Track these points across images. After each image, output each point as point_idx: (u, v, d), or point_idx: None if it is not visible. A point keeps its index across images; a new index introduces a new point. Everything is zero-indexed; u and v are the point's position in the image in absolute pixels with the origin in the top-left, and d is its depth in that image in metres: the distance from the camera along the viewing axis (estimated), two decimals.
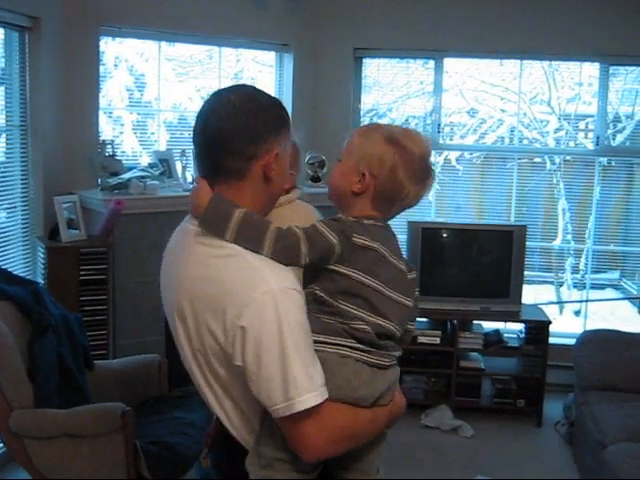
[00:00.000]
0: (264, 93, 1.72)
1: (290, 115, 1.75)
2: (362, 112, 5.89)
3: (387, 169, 1.66)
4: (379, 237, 1.65)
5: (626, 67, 5.75)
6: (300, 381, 1.48)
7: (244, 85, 1.76)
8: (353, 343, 1.61)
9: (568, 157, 5.95)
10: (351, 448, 1.64)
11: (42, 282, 4.19)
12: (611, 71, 5.65)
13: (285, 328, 1.48)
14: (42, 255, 4.31)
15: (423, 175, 1.71)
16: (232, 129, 1.61)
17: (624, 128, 5.89)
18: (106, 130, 5.01)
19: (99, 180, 4.57)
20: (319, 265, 1.62)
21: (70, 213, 4.40)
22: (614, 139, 5.89)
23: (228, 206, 1.60)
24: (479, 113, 6.03)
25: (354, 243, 1.60)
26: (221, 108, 1.65)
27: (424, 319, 5.12)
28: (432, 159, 1.77)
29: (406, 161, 1.67)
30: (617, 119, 5.88)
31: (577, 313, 6.18)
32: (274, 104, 1.70)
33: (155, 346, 4.49)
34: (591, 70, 5.73)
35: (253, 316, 1.48)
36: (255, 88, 1.73)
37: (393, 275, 1.67)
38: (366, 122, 5.95)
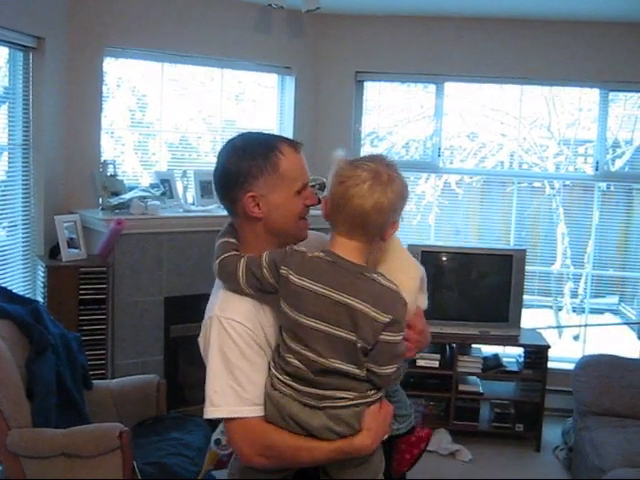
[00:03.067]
0: (261, 138, 1.87)
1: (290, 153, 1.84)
2: (363, 135, 5.91)
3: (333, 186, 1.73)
4: (310, 270, 1.68)
5: (625, 93, 5.78)
6: (209, 396, 1.74)
7: (249, 132, 1.91)
8: (285, 378, 1.70)
9: (567, 182, 5.96)
10: (288, 467, 1.80)
11: (42, 301, 4.19)
12: (610, 97, 5.69)
13: (210, 350, 1.75)
14: (42, 274, 4.32)
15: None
16: (218, 175, 1.86)
17: (623, 153, 5.92)
18: (108, 150, 5.03)
19: (100, 200, 4.58)
20: (272, 294, 1.74)
21: (71, 232, 4.41)
22: (613, 164, 5.91)
23: (217, 252, 1.83)
24: (479, 137, 6.05)
25: (281, 275, 1.70)
26: (219, 155, 1.88)
27: None
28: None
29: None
30: (616, 144, 5.91)
31: (576, 338, 6.16)
32: (260, 150, 1.81)
33: (154, 366, 4.49)
34: (591, 96, 5.76)
35: (201, 334, 1.81)
36: (258, 133, 1.89)
37: (325, 309, 1.66)
38: (367, 145, 5.98)
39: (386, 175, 1.68)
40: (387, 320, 1.65)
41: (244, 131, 1.93)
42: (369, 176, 1.67)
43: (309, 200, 1.87)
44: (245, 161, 1.80)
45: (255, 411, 1.73)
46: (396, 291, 1.70)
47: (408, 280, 1.89)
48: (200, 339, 1.82)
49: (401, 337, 1.71)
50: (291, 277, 1.67)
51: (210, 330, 1.76)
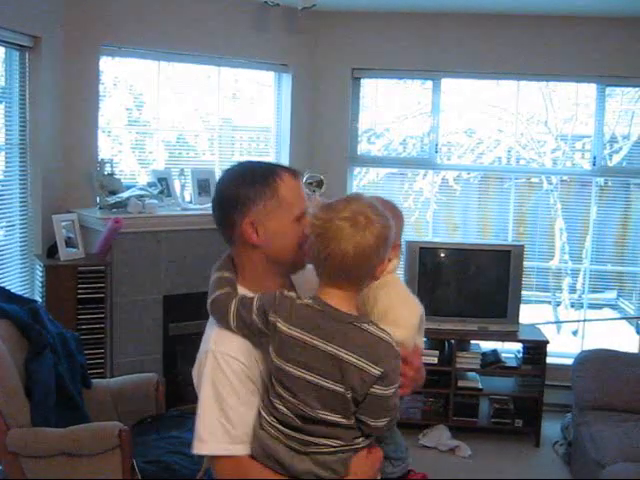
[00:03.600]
0: (259, 165, 1.86)
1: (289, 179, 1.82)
2: (360, 132, 5.92)
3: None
4: (299, 319, 1.64)
5: (622, 88, 5.79)
6: (198, 431, 1.71)
7: (248, 160, 1.94)
8: (273, 420, 1.67)
9: (565, 177, 5.97)
10: None
11: (40, 300, 4.19)
12: (607, 92, 5.69)
13: (203, 385, 1.72)
14: (40, 273, 4.31)
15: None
16: (217, 201, 1.84)
17: (620, 148, 5.92)
18: (105, 149, 5.03)
19: (98, 199, 4.58)
20: (264, 335, 1.70)
21: (68, 231, 4.41)
22: (611, 159, 5.91)
23: (211, 289, 1.81)
24: (477, 133, 6.05)
25: (269, 322, 1.66)
26: (217, 183, 1.88)
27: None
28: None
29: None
30: (614, 139, 5.91)
31: (575, 333, 6.17)
32: (259, 176, 1.80)
33: (153, 365, 4.49)
34: (588, 91, 5.76)
35: (195, 366, 1.78)
36: (256, 161, 1.90)
37: (313, 359, 1.61)
38: (364, 142, 5.98)
39: (363, 218, 1.62)
40: (378, 373, 1.59)
41: (243, 160, 1.94)
42: (347, 224, 1.61)
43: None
44: (244, 187, 1.78)
45: (243, 449, 1.70)
46: (388, 341, 1.64)
47: (410, 315, 1.87)
48: (194, 372, 1.79)
49: (393, 390, 1.64)
50: (279, 325, 1.64)
51: (205, 364, 1.73)
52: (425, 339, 5.07)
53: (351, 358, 1.59)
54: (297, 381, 1.62)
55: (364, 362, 1.59)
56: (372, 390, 1.60)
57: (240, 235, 1.79)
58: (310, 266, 1.81)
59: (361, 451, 1.70)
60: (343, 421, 1.63)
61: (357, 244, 1.60)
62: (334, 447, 1.64)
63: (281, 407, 1.64)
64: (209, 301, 1.78)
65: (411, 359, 1.82)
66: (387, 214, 1.67)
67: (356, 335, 1.62)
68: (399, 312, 1.83)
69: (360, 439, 1.68)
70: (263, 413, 1.69)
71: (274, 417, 1.66)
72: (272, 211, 1.77)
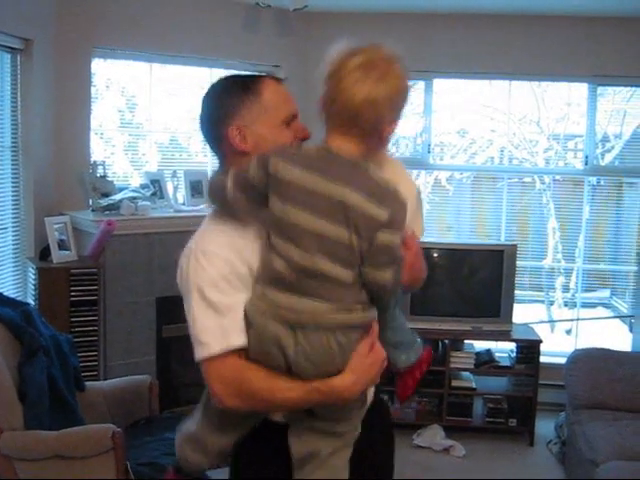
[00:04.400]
0: (240, 75, 1.83)
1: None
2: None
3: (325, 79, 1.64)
4: (302, 159, 1.57)
5: (614, 87, 5.81)
6: (194, 336, 1.64)
7: (231, 74, 1.86)
8: (265, 288, 1.58)
9: (558, 177, 5.99)
10: (262, 410, 1.71)
11: (33, 303, 4.18)
12: (599, 91, 5.71)
13: (188, 289, 1.66)
14: (33, 276, 4.30)
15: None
16: (201, 117, 1.80)
17: (613, 148, 5.94)
18: (97, 151, 5.02)
19: (90, 201, 4.57)
20: (261, 197, 1.60)
21: (61, 234, 4.40)
22: (603, 159, 5.93)
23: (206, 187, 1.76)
24: (469, 133, 6.07)
25: (271, 165, 1.57)
26: (202, 101, 1.82)
27: None
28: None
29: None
30: (606, 139, 5.93)
31: (568, 332, 6.18)
32: (240, 84, 1.76)
33: (146, 367, 4.48)
34: (579, 90, 5.78)
35: (177, 272, 1.71)
36: (237, 74, 1.84)
37: (317, 199, 1.53)
38: None
39: (381, 66, 1.58)
40: (384, 216, 1.53)
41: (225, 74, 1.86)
42: (360, 67, 1.56)
43: (300, 132, 1.77)
44: (227, 97, 1.75)
45: (239, 339, 1.61)
46: (394, 188, 1.57)
47: (408, 194, 1.75)
48: (177, 278, 1.72)
49: (399, 239, 1.58)
50: (281, 166, 1.55)
51: (186, 267, 1.67)
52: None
53: (356, 198, 1.52)
54: (298, 227, 1.54)
55: (369, 203, 1.53)
56: (378, 235, 1.53)
57: (228, 144, 1.74)
58: None
59: (362, 347, 1.60)
60: (341, 274, 1.54)
61: (368, 92, 1.55)
62: (328, 311, 1.54)
63: (276, 261, 1.56)
64: (207, 190, 1.75)
65: (409, 241, 1.74)
66: (405, 73, 1.63)
67: (361, 177, 1.56)
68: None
69: (358, 305, 1.58)
70: (256, 285, 1.62)
71: (268, 282, 1.58)
72: (258, 115, 1.72)
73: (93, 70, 4.83)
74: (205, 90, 1.83)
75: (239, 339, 1.61)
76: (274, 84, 1.78)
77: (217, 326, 1.62)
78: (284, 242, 1.55)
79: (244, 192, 1.61)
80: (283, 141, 1.71)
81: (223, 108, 1.74)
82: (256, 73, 1.87)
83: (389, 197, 1.56)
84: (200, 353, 1.63)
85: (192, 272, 1.65)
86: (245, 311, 1.61)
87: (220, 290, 1.62)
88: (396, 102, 1.61)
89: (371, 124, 1.58)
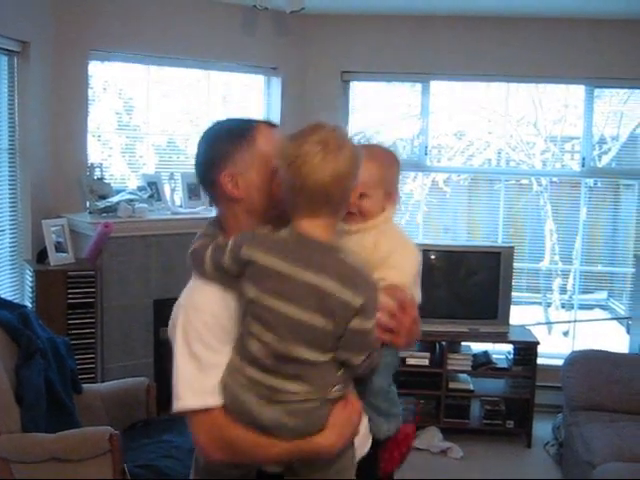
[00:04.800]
0: (235, 120, 1.83)
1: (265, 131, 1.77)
2: (350, 134, 5.90)
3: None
4: (275, 247, 1.59)
5: (611, 89, 5.81)
6: (174, 387, 1.67)
7: (225, 119, 1.86)
8: (243, 364, 1.61)
9: (555, 178, 6.00)
10: (247, 463, 1.71)
11: (30, 305, 4.18)
12: (596, 93, 5.71)
13: (176, 341, 1.69)
14: (30, 278, 4.30)
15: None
16: (196, 161, 1.82)
17: (609, 149, 5.94)
18: (95, 153, 5.02)
19: (87, 203, 4.58)
20: (237, 277, 1.64)
21: (58, 236, 4.40)
22: (600, 160, 5.93)
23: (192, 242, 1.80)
24: (466, 135, 6.07)
25: (243, 254, 1.60)
26: (197, 145, 1.83)
27: None
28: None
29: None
30: (603, 141, 5.93)
31: (565, 334, 6.19)
32: (235, 130, 1.77)
33: (144, 369, 4.49)
34: (576, 92, 5.79)
35: (169, 325, 1.74)
36: (232, 119, 1.85)
37: (290, 287, 1.55)
38: None
39: (334, 142, 1.58)
40: (359, 301, 1.53)
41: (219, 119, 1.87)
42: (318, 148, 1.56)
43: None
44: (221, 142, 1.76)
45: (217, 400, 1.64)
46: (367, 272, 1.59)
47: (410, 261, 1.84)
48: (168, 329, 1.76)
49: (372, 324, 1.59)
50: (254, 256, 1.58)
51: (176, 321, 1.71)
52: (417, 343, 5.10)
53: (330, 286, 1.53)
54: (273, 313, 1.55)
55: (344, 289, 1.53)
56: (352, 323, 1.54)
57: (221, 190, 1.74)
58: None
59: (339, 402, 1.63)
60: (318, 358, 1.56)
61: (333, 168, 1.56)
62: (304, 394, 1.56)
63: (253, 346, 1.58)
64: (188, 253, 1.76)
65: (408, 306, 1.76)
66: (350, 139, 1.64)
67: (334, 263, 1.56)
68: (399, 257, 1.80)
69: (335, 388, 1.60)
70: (233, 359, 1.63)
71: (245, 360, 1.60)
72: (251, 163, 1.72)
73: (90, 72, 4.84)
74: (202, 133, 1.84)
75: (216, 400, 1.64)
76: (268, 131, 1.78)
77: (197, 382, 1.65)
78: (260, 326, 1.58)
79: (220, 272, 1.66)
80: (275, 190, 1.71)
81: (216, 153, 1.76)
82: (251, 118, 1.86)
83: (363, 283, 1.57)
84: (175, 405, 1.67)
85: (180, 325, 1.69)
86: (223, 380, 1.64)
87: (205, 345, 1.66)
88: (355, 170, 1.61)
89: (341, 198, 1.61)
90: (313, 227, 1.60)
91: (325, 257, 1.57)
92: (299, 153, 1.56)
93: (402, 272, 1.80)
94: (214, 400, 1.64)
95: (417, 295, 1.91)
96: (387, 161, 1.88)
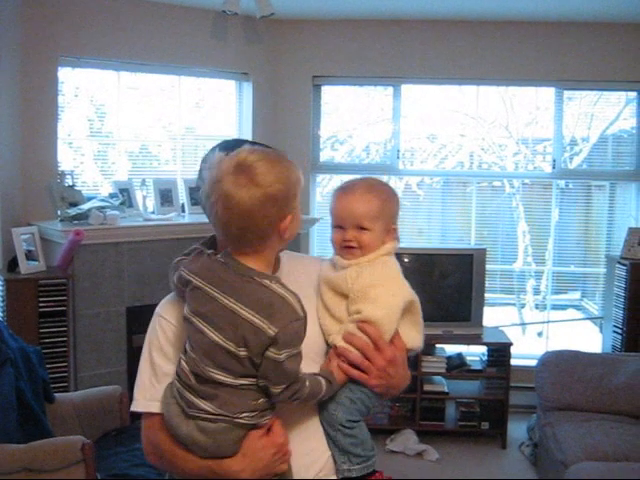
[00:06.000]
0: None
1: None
2: (322, 139, 5.94)
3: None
4: (205, 271, 1.59)
5: (580, 91, 5.86)
6: (135, 389, 1.77)
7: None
8: (175, 379, 1.64)
9: (527, 180, 6.04)
10: (172, 472, 1.74)
11: (0, 315, 4.14)
12: (566, 95, 5.77)
13: (144, 344, 1.79)
14: (0, 287, 4.26)
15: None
16: (197, 187, 1.79)
17: (580, 151, 5.99)
18: (67, 160, 4.99)
19: (58, 211, 4.54)
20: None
21: (29, 244, 4.36)
22: (571, 162, 5.98)
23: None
24: (438, 138, 6.10)
25: (182, 276, 1.63)
26: None
27: None
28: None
29: None
30: (573, 142, 5.98)
31: (539, 334, 6.23)
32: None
33: (117, 377, 4.47)
34: (547, 95, 5.83)
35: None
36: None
37: (212, 312, 1.55)
38: (327, 149, 6.00)
39: (244, 176, 1.52)
40: (272, 333, 1.50)
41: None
42: (227, 185, 1.52)
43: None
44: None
45: (159, 407, 1.71)
46: (289, 301, 1.54)
47: (393, 297, 1.75)
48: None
49: (286, 355, 1.53)
50: (191, 276, 1.59)
51: (149, 325, 1.80)
52: None
53: (245, 313, 1.51)
54: (196, 334, 1.57)
55: (257, 318, 1.51)
56: (267, 352, 1.52)
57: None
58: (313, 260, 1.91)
59: (255, 430, 1.61)
60: (232, 382, 1.55)
61: (237, 204, 1.51)
62: (214, 414, 1.56)
63: (183, 363, 1.61)
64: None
65: (382, 345, 1.71)
66: (279, 167, 1.56)
67: (253, 290, 1.54)
68: (380, 290, 1.73)
69: (244, 414, 1.57)
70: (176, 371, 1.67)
71: (177, 374, 1.63)
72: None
73: (61, 79, 4.81)
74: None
75: (158, 407, 1.69)
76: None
77: (149, 387, 1.73)
78: (188, 344, 1.62)
79: (175, 289, 1.70)
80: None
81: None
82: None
83: (281, 313, 1.52)
84: (132, 406, 1.77)
85: (148, 332, 1.79)
86: (165, 389, 1.68)
87: (164, 354, 1.73)
88: (275, 202, 1.54)
89: (255, 233, 1.55)
90: (242, 256, 1.58)
91: (246, 284, 1.55)
92: (214, 187, 1.55)
93: (380, 307, 1.72)
94: (157, 408, 1.70)
95: (411, 338, 1.86)
96: (386, 194, 1.82)
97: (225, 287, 1.55)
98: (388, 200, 1.83)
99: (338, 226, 1.82)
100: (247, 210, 1.51)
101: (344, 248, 1.80)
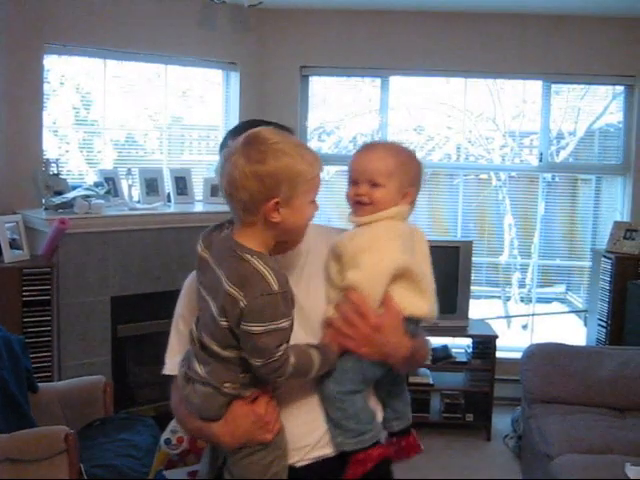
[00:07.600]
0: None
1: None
2: (310, 130, 5.92)
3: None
4: (211, 244, 1.69)
5: (568, 85, 5.87)
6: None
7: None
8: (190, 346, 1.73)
9: (513, 173, 6.05)
10: (186, 430, 1.93)
11: None
12: (554, 89, 5.78)
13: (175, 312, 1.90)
14: None
15: None
16: (215, 171, 1.93)
17: (567, 145, 6.01)
18: (52, 149, 4.95)
19: (43, 199, 4.51)
20: None
21: (13, 233, 4.33)
22: (558, 155, 5.99)
23: None
24: (425, 130, 6.09)
25: (197, 248, 1.72)
26: None
27: None
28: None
29: None
30: (560, 136, 5.99)
31: (525, 327, 6.25)
32: None
33: (101, 367, 4.44)
34: (534, 88, 5.84)
35: None
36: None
37: (210, 282, 1.63)
38: (314, 139, 5.98)
39: (250, 148, 1.56)
40: (242, 302, 1.52)
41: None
42: (239, 148, 1.57)
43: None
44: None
45: (171, 369, 1.86)
46: (264, 276, 1.54)
47: (378, 261, 1.70)
48: None
49: (257, 329, 1.53)
50: (198, 247, 1.71)
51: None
52: None
53: (224, 284, 1.55)
54: (201, 302, 1.67)
55: (233, 289, 1.54)
56: (241, 325, 1.54)
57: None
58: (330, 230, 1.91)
59: (239, 399, 1.66)
60: (220, 352, 1.61)
61: (228, 172, 1.57)
62: (203, 378, 1.64)
63: (194, 328, 1.71)
64: None
65: (365, 311, 1.68)
66: (282, 154, 1.56)
67: (233, 263, 1.58)
68: (367, 256, 1.70)
69: (226, 384, 1.63)
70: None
71: (190, 340, 1.72)
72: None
73: (47, 66, 4.77)
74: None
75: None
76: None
77: (176, 352, 1.84)
78: (199, 312, 1.70)
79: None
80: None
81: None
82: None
83: (253, 286, 1.53)
84: (163, 370, 1.88)
85: (178, 301, 1.90)
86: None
87: (185, 321, 1.83)
88: (263, 182, 1.55)
89: (240, 199, 1.57)
90: (242, 232, 1.62)
91: (231, 257, 1.59)
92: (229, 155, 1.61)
93: (362, 271, 1.69)
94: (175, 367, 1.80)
95: (413, 305, 1.84)
96: (405, 156, 1.80)
97: (218, 259, 1.63)
98: (406, 162, 1.82)
99: (354, 182, 1.82)
100: (232, 177, 1.56)
101: (356, 203, 1.80)
